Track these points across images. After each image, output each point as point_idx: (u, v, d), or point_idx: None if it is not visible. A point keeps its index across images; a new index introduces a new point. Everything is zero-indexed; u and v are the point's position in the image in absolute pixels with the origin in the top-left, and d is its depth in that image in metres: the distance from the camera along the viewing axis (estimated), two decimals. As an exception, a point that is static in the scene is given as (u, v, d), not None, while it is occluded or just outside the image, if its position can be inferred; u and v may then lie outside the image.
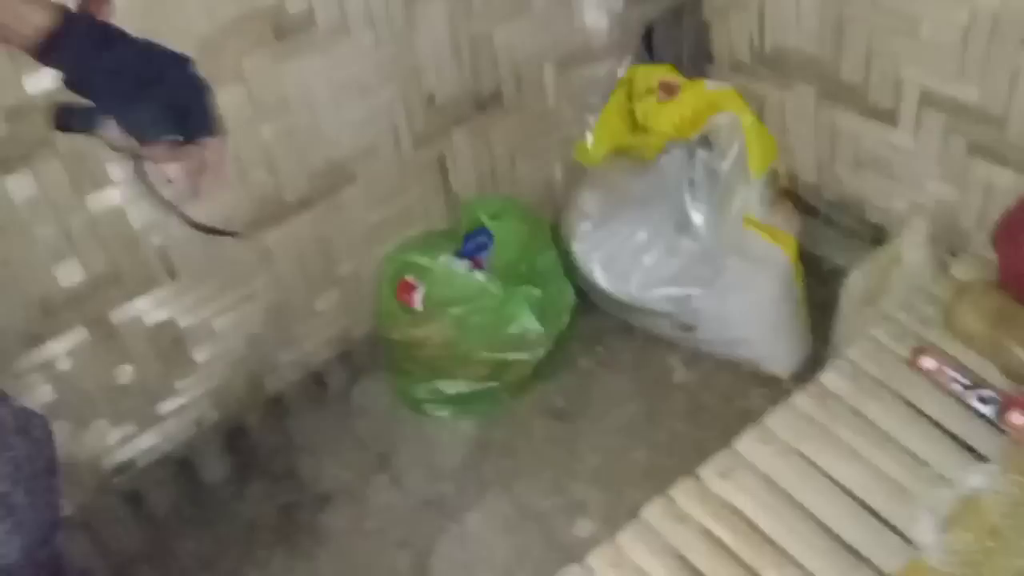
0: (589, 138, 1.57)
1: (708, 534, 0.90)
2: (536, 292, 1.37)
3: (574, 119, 1.58)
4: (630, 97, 1.52)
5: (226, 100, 0.99)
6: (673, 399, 1.46)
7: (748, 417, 1.23)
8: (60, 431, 1.04)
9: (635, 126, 1.51)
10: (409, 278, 1.37)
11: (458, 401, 1.45)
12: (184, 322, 1.28)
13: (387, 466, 1.45)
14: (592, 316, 1.56)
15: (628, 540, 0.91)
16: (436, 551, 1.32)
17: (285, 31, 1.18)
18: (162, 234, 1.20)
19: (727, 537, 0.89)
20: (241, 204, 1.25)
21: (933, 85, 1.21)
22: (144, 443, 1.33)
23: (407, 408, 1.49)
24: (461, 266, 1.37)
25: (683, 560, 0.89)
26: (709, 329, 1.42)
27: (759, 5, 1.42)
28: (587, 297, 1.52)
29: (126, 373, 1.26)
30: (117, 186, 1.12)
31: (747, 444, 0.97)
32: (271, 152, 1.25)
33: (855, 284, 1.28)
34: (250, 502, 1.44)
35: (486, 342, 1.37)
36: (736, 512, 0.91)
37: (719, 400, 1.46)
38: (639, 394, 1.48)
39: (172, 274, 1.24)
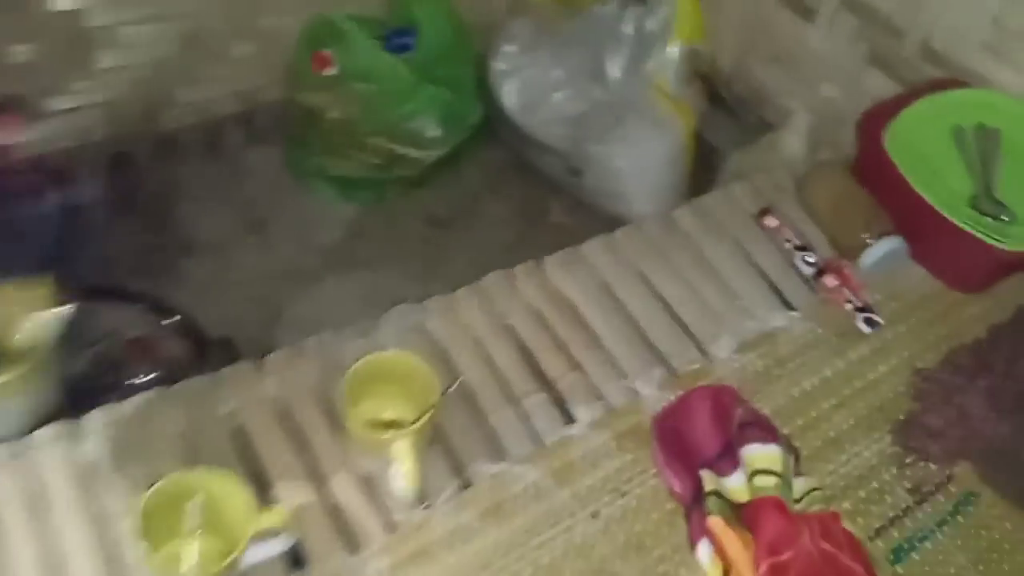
0: (534, -27, 1.59)
1: (535, 310, 0.98)
2: (445, 95, 1.40)
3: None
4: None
5: None
6: (544, 233, 1.54)
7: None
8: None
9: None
10: (328, 49, 1.38)
11: (344, 184, 1.48)
12: (94, 20, 1.25)
13: (260, 230, 1.49)
14: (492, 148, 1.61)
15: (464, 296, 0.98)
16: (290, 309, 1.37)
17: None
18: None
19: (551, 315, 0.97)
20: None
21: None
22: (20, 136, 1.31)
23: (295, 180, 1.52)
24: (385, 52, 1.38)
25: (506, 326, 0.96)
26: (594, 177, 1.49)
27: None
28: (493, 129, 1.56)
29: (22, 53, 1.23)
30: None
31: (591, 247, 1.05)
32: None
33: (733, 164, 1.36)
34: (116, 233, 1.46)
35: (384, 129, 1.40)
36: (564, 298, 0.99)
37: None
38: (516, 223, 1.55)
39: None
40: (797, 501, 0.77)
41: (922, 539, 0.82)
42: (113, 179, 1.44)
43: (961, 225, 0.94)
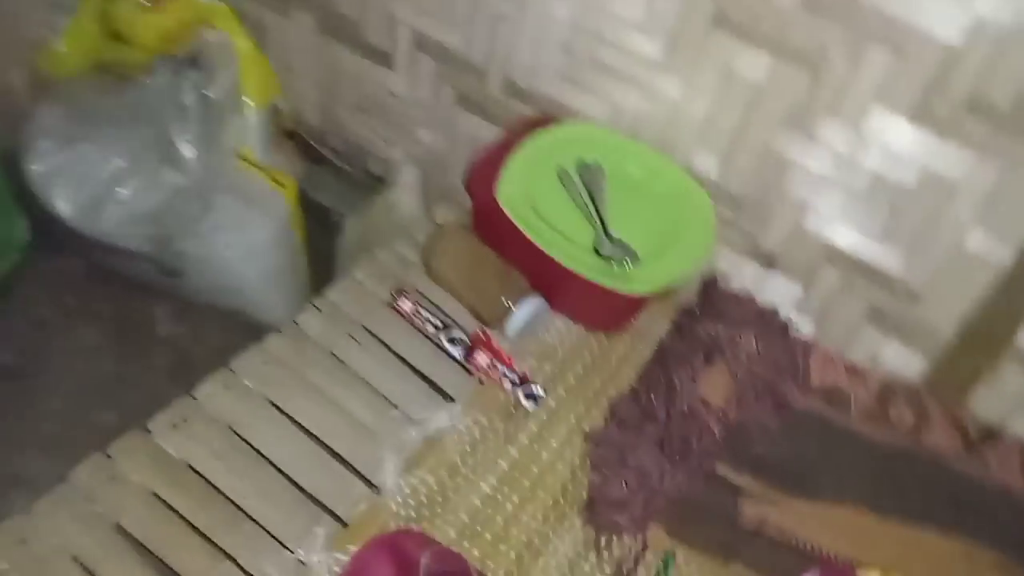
0: (59, 44, 1.31)
1: (151, 495, 0.77)
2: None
3: (42, 19, 1.32)
4: (106, 1, 1.30)
5: None
6: (155, 354, 1.29)
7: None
8: None
9: (111, 35, 1.30)
10: None
11: None
12: None
13: None
14: (58, 260, 1.32)
15: (44, 509, 0.74)
16: None
17: None
18: None
19: (173, 496, 0.77)
20: None
21: (424, 27, 1.21)
22: None
23: None
24: None
25: (119, 529, 0.75)
26: (196, 275, 1.28)
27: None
28: (52, 237, 1.27)
29: None
30: None
31: (207, 390, 0.85)
32: None
33: (352, 230, 1.24)
34: None
35: None
36: (186, 467, 0.79)
37: (210, 354, 1.31)
38: (114, 349, 1.29)
39: None
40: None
41: (641, 625, 0.77)
42: None
43: (588, 278, 0.91)
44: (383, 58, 1.27)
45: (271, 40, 1.37)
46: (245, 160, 1.28)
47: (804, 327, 1.09)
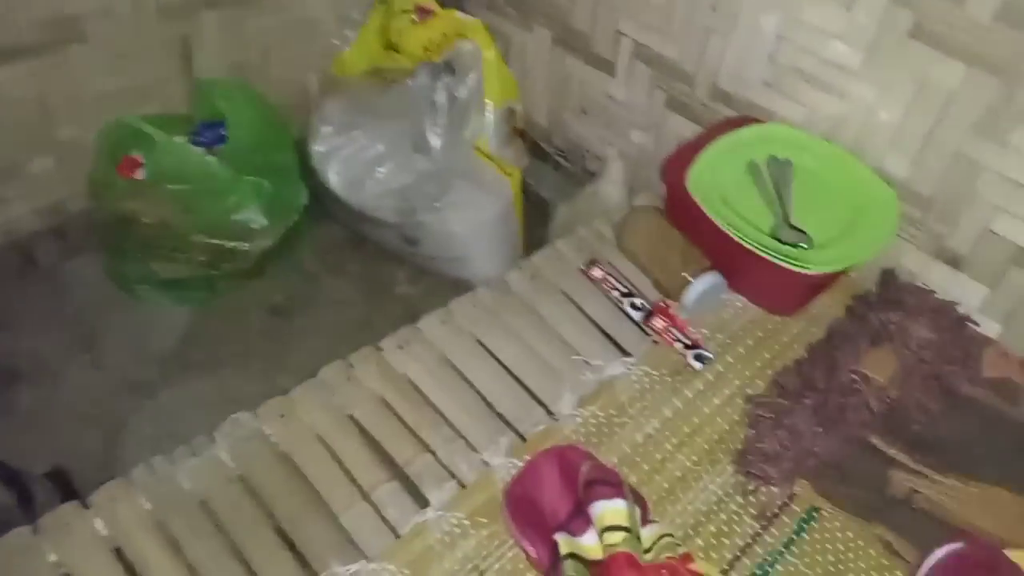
0: (347, 53, 1.60)
1: (378, 397, 0.97)
2: (266, 184, 1.38)
3: (334, 31, 1.61)
4: (385, 16, 1.56)
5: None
6: (391, 308, 1.53)
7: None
8: None
9: (387, 45, 1.56)
10: (134, 153, 1.33)
11: (172, 286, 1.43)
12: None
13: (89, 347, 1.41)
14: (326, 226, 1.60)
15: (301, 394, 0.96)
16: (128, 427, 1.30)
17: None
18: None
19: (394, 399, 0.96)
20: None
21: (644, 40, 1.35)
22: None
23: (119, 289, 1.45)
24: (196, 149, 1.35)
25: (351, 419, 0.95)
26: (431, 245, 1.50)
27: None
28: (324, 207, 1.55)
29: None
30: None
31: (427, 322, 1.05)
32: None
33: (560, 215, 1.40)
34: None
35: (206, 226, 1.36)
36: (406, 379, 0.99)
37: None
38: (360, 301, 1.54)
39: None
40: (648, 551, 0.78)
41: (772, 563, 0.85)
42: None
43: (767, 256, 1.00)
44: (606, 66, 1.43)
45: (513, 50, 1.58)
46: (480, 151, 1.49)
47: (989, 328, 1.10)
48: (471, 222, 1.47)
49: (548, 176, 1.60)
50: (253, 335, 1.45)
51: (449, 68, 1.50)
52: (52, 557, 0.79)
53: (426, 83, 1.49)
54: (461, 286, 1.61)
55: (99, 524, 0.81)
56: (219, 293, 1.46)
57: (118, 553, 0.80)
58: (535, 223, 1.58)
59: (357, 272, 1.58)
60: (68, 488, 1.15)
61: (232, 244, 1.38)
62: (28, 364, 1.37)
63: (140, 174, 1.32)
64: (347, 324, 1.49)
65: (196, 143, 1.37)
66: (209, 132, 1.40)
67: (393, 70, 1.57)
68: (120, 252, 1.43)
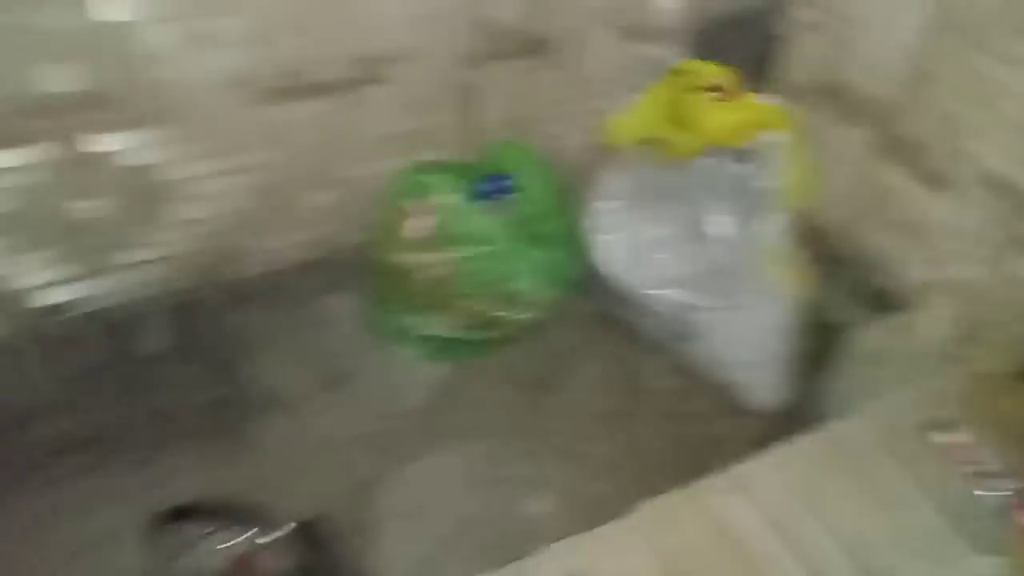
0: (622, 117, 1.50)
1: (696, 546, 0.86)
2: (547, 256, 1.30)
3: (612, 93, 1.52)
4: (676, 88, 1.45)
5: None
6: (647, 401, 1.41)
7: (710, 441, 1.23)
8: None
9: (673, 119, 1.44)
10: (424, 205, 1.27)
11: (431, 343, 1.36)
12: (164, 174, 1.17)
13: (338, 388, 1.36)
14: (581, 303, 1.50)
15: (617, 533, 0.86)
16: (380, 484, 1.23)
17: None
18: (169, 68, 1.08)
19: (712, 551, 0.85)
20: (262, 64, 1.15)
21: (995, 165, 1.19)
22: (85, 290, 1.22)
23: (375, 335, 1.40)
24: (480, 206, 1.28)
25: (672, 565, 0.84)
26: (704, 342, 1.38)
27: (846, 34, 1.37)
28: (584, 285, 1.45)
29: (88, 209, 1.14)
30: None
31: (753, 469, 0.93)
32: (304, 16, 1.15)
33: (862, 343, 1.26)
34: (179, 386, 1.33)
35: (481, 291, 1.29)
36: (729, 529, 0.87)
37: (686, 416, 1.41)
38: (608, 386, 1.43)
39: (165, 118, 1.13)
40: None
41: None
42: (180, 330, 1.32)
43: None
44: (935, 182, 1.26)
45: (819, 146, 1.43)
46: (769, 252, 1.36)
47: None
48: (750, 327, 1.34)
49: (837, 288, 1.45)
50: (502, 406, 1.36)
51: (742, 157, 1.38)
52: None
53: (721, 169, 1.37)
54: (720, 390, 1.49)
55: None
56: (473, 357, 1.39)
57: None
58: (813, 337, 1.42)
59: (606, 354, 1.47)
60: (315, 540, 1.09)
61: (501, 312, 1.30)
62: (275, 395, 1.33)
63: (427, 232, 1.26)
64: (596, 411, 1.38)
65: (481, 192, 1.31)
66: (493, 186, 1.34)
67: (676, 145, 1.46)
68: (382, 299, 1.37)
